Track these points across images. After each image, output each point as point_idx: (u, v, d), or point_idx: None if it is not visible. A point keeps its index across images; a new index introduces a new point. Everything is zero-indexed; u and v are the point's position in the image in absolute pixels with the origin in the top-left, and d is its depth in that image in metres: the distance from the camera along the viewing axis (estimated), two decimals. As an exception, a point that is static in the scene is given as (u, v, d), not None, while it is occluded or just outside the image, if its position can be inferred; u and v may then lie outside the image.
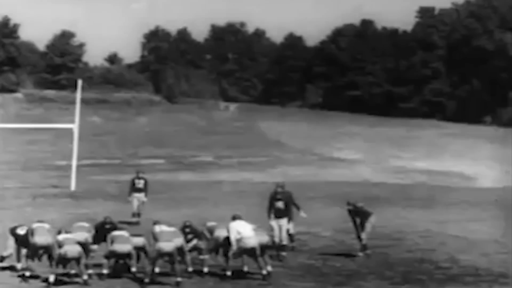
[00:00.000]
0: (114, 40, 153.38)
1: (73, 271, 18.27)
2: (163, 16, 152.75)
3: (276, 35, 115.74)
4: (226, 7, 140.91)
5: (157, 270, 18.28)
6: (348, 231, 22.34)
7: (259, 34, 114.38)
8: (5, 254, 19.13)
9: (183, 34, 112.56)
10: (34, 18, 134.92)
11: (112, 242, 18.58)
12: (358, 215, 21.37)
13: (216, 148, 67.28)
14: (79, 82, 39.78)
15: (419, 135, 77.36)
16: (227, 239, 18.94)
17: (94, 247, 19.57)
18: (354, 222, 21.40)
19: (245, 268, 19.01)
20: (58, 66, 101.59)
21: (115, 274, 18.54)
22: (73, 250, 17.78)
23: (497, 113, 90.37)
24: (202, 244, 19.51)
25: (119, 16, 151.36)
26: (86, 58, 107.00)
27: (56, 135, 58.87)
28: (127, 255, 18.56)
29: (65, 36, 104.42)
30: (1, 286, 18.00)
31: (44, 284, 17.83)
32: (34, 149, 62.08)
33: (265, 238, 19.06)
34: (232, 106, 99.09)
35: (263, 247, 18.72)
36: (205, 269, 19.04)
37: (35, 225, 18.84)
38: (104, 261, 18.59)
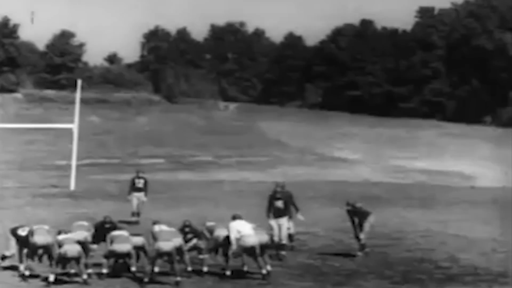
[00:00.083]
0: (114, 39, 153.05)
1: (72, 271, 18.27)
2: (162, 16, 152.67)
3: (276, 34, 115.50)
4: (225, 7, 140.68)
5: (156, 269, 18.27)
6: (347, 231, 22.33)
7: (258, 33, 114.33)
8: (7, 254, 19.12)
9: (182, 33, 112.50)
10: (34, 18, 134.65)
11: (111, 241, 18.58)
12: (357, 215, 21.37)
13: (216, 147, 67.29)
14: (79, 82, 39.79)
15: (419, 135, 77.37)
16: (227, 238, 18.94)
17: (94, 246, 19.57)
18: (353, 222, 21.40)
19: (245, 268, 19.00)
20: (58, 66, 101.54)
21: (114, 273, 18.54)
22: (73, 249, 17.79)
23: (497, 113, 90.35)
24: (202, 244, 19.51)
25: (119, 15, 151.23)
26: (85, 58, 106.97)
27: (56, 135, 58.85)
28: (127, 255, 18.56)
29: (65, 36, 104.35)
30: (1, 285, 18.00)
31: (44, 283, 17.83)
32: (34, 149, 62.09)
33: (265, 238, 19.06)
34: (232, 106, 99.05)
35: (263, 247, 18.72)
36: (205, 269, 19.04)
37: (34, 227, 18.88)
38: (104, 260, 18.59)
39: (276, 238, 20.89)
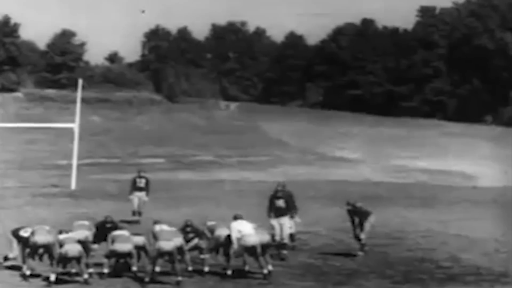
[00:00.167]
0: (115, 39, 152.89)
1: (73, 270, 18.26)
2: (163, 15, 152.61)
3: (277, 34, 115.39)
4: (226, 6, 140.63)
5: (157, 269, 18.26)
6: (348, 231, 22.30)
7: (259, 33, 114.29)
8: (11, 255, 19.11)
9: (183, 33, 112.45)
10: (34, 17, 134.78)
11: (112, 241, 18.57)
12: (357, 215, 21.35)
13: (217, 147, 67.28)
14: (80, 81, 39.79)
15: (420, 135, 77.35)
16: (228, 238, 18.93)
17: (95, 246, 19.57)
18: (353, 222, 21.38)
19: (247, 268, 18.98)
20: (59, 65, 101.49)
21: (115, 273, 18.53)
22: (73, 249, 17.79)
23: (498, 112, 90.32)
24: (203, 243, 19.49)
25: (119, 15, 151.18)
26: (86, 57, 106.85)
27: (57, 134, 58.86)
28: (128, 255, 18.55)
29: (66, 35, 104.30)
30: (2, 285, 17.98)
31: (45, 283, 17.81)
32: (34, 148, 62.07)
33: (266, 237, 19.05)
34: (233, 105, 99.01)
35: (264, 246, 18.70)
36: (206, 268, 19.03)
37: (36, 227, 18.89)
38: (105, 260, 18.58)
39: (277, 238, 20.87)
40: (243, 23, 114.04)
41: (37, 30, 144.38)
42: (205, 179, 46.18)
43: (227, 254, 18.96)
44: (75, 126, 38.92)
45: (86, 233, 19.36)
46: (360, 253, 21.15)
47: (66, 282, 17.99)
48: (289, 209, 21.33)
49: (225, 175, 48.23)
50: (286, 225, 21.15)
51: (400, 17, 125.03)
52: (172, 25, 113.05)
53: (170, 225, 19.16)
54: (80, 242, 18.39)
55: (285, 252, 20.87)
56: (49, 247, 18.27)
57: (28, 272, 18.24)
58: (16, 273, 18.66)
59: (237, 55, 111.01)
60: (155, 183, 29.40)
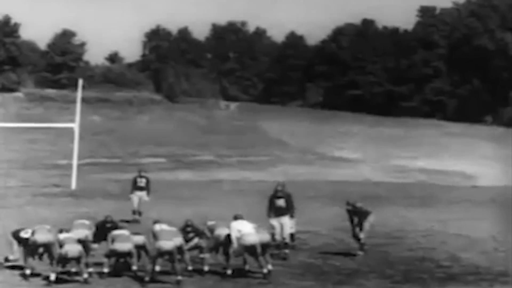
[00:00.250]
0: (115, 39, 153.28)
1: (73, 270, 18.29)
2: (163, 15, 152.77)
3: (277, 34, 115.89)
4: (227, 6, 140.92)
5: (157, 268, 18.28)
6: (348, 230, 22.32)
7: (260, 33, 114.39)
8: (11, 257, 19.12)
9: (183, 33, 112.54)
10: (35, 17, 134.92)
11: (112, 241, 18.60)
12: (357, 214, 21.38)
13: (217, 147, 67.34)
14: (80, 81, 39.83)
15: (419, 135, 77.40)
16: (228, 237, 18.96)
17: (95, 246, 19.60)
18: (352, 221, 21.41)
19: (247, 267, 19.01)
20: (59, 65, 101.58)
21: (115, 272, 18.55)
22: (73, 250, 17.79)
23: (498, 112, 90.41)
24: (203, 243, 19.53)
25: (120, 15, 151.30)
26: (87, 57, 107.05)
27: (57, 134, 58.93)
28: (128, 254, 18.57)
29: (66, 35, 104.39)
30: (2, 284, 18.01)
31: (45, 282, 17.84)
32: (35, 148, 62.13)
33: (266, 237, 19.07)
34: (233, 105, 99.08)
35: (264, 246, 18.72)
36: (206, 268, 19.05)
37: (36, 227, 18.93)
38: (105, 259, 18.60)
39: (278, 237, 20.89)
40: (244, 23, 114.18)
41: (37, 30, 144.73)
42: (205, 178, 46.24)
43: (227, 254, 18.99)
44: (75, 126, 38.97)
45: (86, 232, 19.39)
46: (360, 252, 21.18)
47: (66, 281, 18.01)
48: (289, 209, 21.35)
49: (225, 175, 48.30)
50: (287, 225, 21.17)
51: (400, 17, 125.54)
52: (173, 25, 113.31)
53: (170, 224, 19.19)
54: (80, 241, 18.41)
55: (287, 251, 20.90)
56: (49, 246, 18.29)
57: (28, 272, 18.26)
58: (16, 272, 18.69)
59: (237, 55, 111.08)
60: (155, 183, 29.45)
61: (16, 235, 19.11)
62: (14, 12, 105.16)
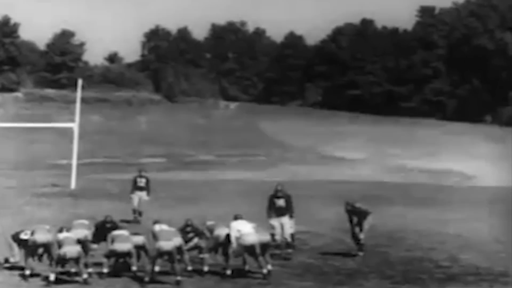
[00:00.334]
0: (114, 39, 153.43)
1: (73, 270, 18.27)
2: (163, 15, 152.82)
3: (277, 34, 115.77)
4: (226, 6, 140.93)
5: (157, 269, 18.26)
6: (348, 231, 22.30)
7: (259, 33, 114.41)
8: (12, 260, 19.10)
9: (183, 33, 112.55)
10: (34, 17, 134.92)
11: (112, 241, 18.57)
12: (356, 214, 21.35)
13: (216, 147, 67.36)
14: (79, 81, 39.83)
15: (419, 134, 77.40)
16: (227, 237, 18.94)
17: (94, 246, 19.57)
18: (351, 222, 21.38)
19: (247, 267, 19.00)
20: (58, 65, 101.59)
21: (115, 273, 18.53)
22: (72, 251, 17.75)
23: (497, 112, 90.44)
24: (203, 243, 19.51)
25: (119, 15, 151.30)
26: (86, 57, 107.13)
27: (56, 134, 58.91)
28: (127, 254, 18.55)
29: (65, 35, 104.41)
30: (2, 285, 17.99)
31: (44, 282, 17.81)
32: (35, 148, 62.14)
33: (266, 237, 19.05)
34: (232, 105, 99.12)
35: (264, 246, 18.70)
36: (205, 268, 19.03)
37: (35, 226, 18.91)
38: (104, 260, 18.58)
39: (278, 237, 20.87)
40: (243, 23, 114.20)
41: (36, 30, 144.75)
42: (205, 178, 46.22)
43: (226, 254, 18.97)
44: (74, 125, 38.97)
45: (85, 232, 19.36)
46: (360, 253, 21.16)
47: (66, 282, 17.99)
48: (289, 209, 21.32)
49: (225, 175, 48.26)
50: (287, 225, 21.14)
51: (399, 17, 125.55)
52: (172, 25, 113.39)
53: (170, 224, 19.17)
54: (79, 241, 18.39)
55: (290, 251, 20.89)
56: (49, 246, 18.26)
57: (28, 272, 18.24)
58: (16, 273, 18.66)
59: (236, 55, 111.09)
60: (155, 183, 29.43)
61: (16, 237, 19.07)
62: (14, 12, 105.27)
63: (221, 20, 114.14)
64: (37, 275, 18.25)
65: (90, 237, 19.46)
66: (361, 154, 64.04)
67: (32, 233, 18.57)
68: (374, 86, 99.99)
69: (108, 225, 19.65)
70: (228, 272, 18.66)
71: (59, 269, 17.97)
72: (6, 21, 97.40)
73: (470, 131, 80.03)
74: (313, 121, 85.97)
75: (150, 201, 27.94)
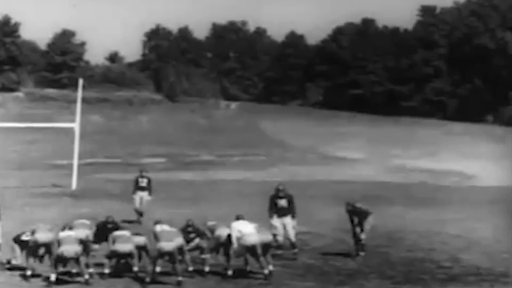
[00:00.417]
0: (115, 38, 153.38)
1: (74, 271, 18.27)
2: (164, 14, 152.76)
3: (277, 33, 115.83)
4: (227, 6, 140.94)
5: (158, 269, 18.27)
6: (349, 231, 22.30)
7: (260, 32, 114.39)
8: (14, 262, 19.11)
9: (184, 32, 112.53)
10: (35, 16, 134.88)
11: (113, 241, 18.56)
12: (357, 215, 21.34)
13: (217, 146, 67.34)
14: (80, 81, 39.86)
15: (420, 134, 77.37)
16: (228, 238, 18.93)
17: (96, 246, 19.57)
18: (352, 222, 21.38)
19: (248, 268, 19.00)
20: (59, 65, 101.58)
21: (116, 273, 18.53)
22: (70, 249, 17.71)
23: (499, 111, 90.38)
24: (204, 243, 19.51)
25: (120, 14, 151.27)
26: (87, 56, 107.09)
27: (57, 134, 58.86)
28: (129, 255, 18.55)
29: (66, 35, 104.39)
30: (2, 285, 17.99)
31: (45, 283, 17.81)
32: (35, 148, 62.15)
33: (267, 237, 19.04)
34: (233, 105, 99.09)
35: (265, 246, 18.70)
36: (207, 269, 19.03)
37: (35, 225, 18.89)
38: (106, 260, 18.58)
39: (279, 238, 20.86)
40: (244, 23, 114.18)
41: (37, 30, 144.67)
42: (206, 178, 46.21)
43: (227, 254, 18.97)
44: (75, 125, 38.99)
45: (86, 232, 19.34)
46: (361, 253, 21.15)
47: (67, 282, 18.00)
48: (291, 209, 21.29)
49: (226, 175, 48.25)
50: (290, 225, 21.11)
51: (400, 16, 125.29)
52: (173, 25, 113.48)
53: (171, 225, 19.17)
54: (81, 241, 18.38)
55: (296, 251, 20.88)
56: (50, 246, 18.25)
57: (29, 273, 18.23)
58: (17, 273, 18.67)
59: (237, 54, 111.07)
60: (156, 183, 29.44)
61: (17, 239, 19.07)
62: (14, 11, 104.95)
63: (222, 20, 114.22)
64: (38, 275, 18.25)
65: (91, 237, 19.46)
66: (362, 154, 64.01)
67: (33, 232, 18.56)
68: (375, 86, 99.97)
69: (109, 226, 19.65)
70: (229, 272, 18.66)
71: (60, 269, 17.96)
72: (6, 20, 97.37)
73: (471, 131, 79.99)
74: (313, 121, 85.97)
75: (151, 201, 27.95)
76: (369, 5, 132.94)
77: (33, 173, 46.85)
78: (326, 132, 77.90)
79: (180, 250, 18.50)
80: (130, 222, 25.43)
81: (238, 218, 19.26)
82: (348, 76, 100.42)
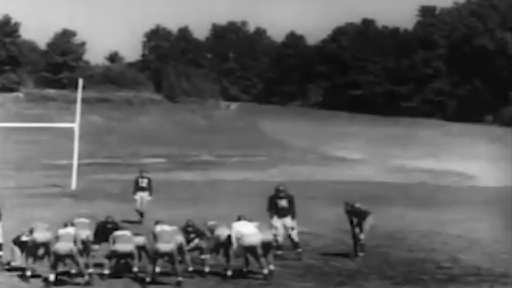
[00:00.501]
0: (115, 38, 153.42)
1: (73, 271, 18.26)
2: (164, 15, 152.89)
3: (277, 34, 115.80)
4: (227, 6, 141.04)
5: (158, 269, 18.27)
6: (349, 231, 22.30)
7: (260, 33, 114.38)
8: (14, 264, 19.10)
9: (184, 32, 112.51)
10: (35, 17, 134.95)
11: (113, 241, 18.55)
12: (356, 215, 21.34)
13: (217, 147, 67.32)
14: (80, 81, 39.84)
15: (420, 134, 77.37)
16: (228, 238, 18.92)
17: (95, 246, 19.56)
18: (351, 222, 21.38)
19: (246, 269, 18.99)
20: (59, 65, 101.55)
21: (116, 274, 18.52)
22: (64, 246, 17.67)
23: (498, 112, 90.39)
24: (204, 244, 19.50)
25: (120, 14, 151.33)
26: (87, 56, 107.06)
27: (57, 134, 58.86)
28: (129, 255, 18.54)
29: (66, 35, 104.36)
30: (2, 286, 17.98)
31: (44, 283, 17.80)
32: (35, 148, 62.09)
33: (269, 236, 19.03)
34: (233, 105, 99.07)
35: (266, 245, 18.68)
36: (206, 269, 19.02)
37: (34, 224, 18.87)
38: (106, 261, 18.57)
39: (280, 238, 20.85)
40: (244, 23, 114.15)
41: (37, 30, 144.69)
42: (206, 179, 46.21)
43: (227, 255, 18.96)
44: (75, 126, 38.98)
45: (86, 232, 19.33)
46: (361, 253, 21.15)
47: (66, 283, 17.99)
48: (291, 210, 21.26)
49: (225, 175, 48.24)
50: (290, 225, 21.07)
51: (400, 17, 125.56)
52: (173, 25, 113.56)
53: (171, 225, 19.15)
54: (81, 241, 18.36)
55: (300, 250, 20.88)
56: (48, 245, 18.22)
57: (28, 273, 18.21)
58: (15, 273, 18.65)
59: (237, 55, 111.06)
60: (156, 183, 29.44)
61: (17, 241, 19.05)
62: (14, 11, 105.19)
63: (222, 20, 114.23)
64: (37, 276, 18.24)
65: (91, 237, 19.45)
66: (362, 155, 64.01)
67: (31, 231, 18.53)
68: (375, 86, 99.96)
69: (109, 226, 19.64)
70: (229, 272, 18.66)
71: (59, 268, 17.93)
72: (6, 20, 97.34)
73: (471, 131, 79.99)
74: (313, 121, 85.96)
75: (151, 202, 27.96)
76: (369, 6, 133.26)
77: (33, 173, 46.84)
78: (326, 133, 77.90)
79: (180, 249, 18.50)
80: (130, 222, 25.43)
81: (239, 218, 19.24)
82: (348, 76, 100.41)
